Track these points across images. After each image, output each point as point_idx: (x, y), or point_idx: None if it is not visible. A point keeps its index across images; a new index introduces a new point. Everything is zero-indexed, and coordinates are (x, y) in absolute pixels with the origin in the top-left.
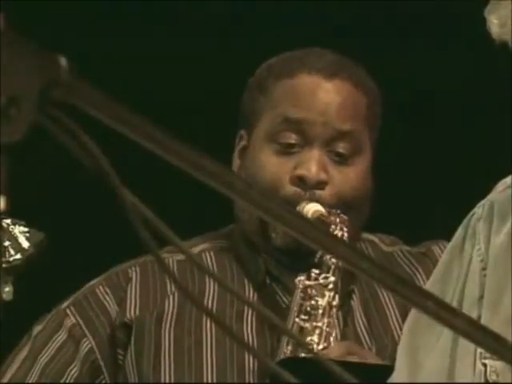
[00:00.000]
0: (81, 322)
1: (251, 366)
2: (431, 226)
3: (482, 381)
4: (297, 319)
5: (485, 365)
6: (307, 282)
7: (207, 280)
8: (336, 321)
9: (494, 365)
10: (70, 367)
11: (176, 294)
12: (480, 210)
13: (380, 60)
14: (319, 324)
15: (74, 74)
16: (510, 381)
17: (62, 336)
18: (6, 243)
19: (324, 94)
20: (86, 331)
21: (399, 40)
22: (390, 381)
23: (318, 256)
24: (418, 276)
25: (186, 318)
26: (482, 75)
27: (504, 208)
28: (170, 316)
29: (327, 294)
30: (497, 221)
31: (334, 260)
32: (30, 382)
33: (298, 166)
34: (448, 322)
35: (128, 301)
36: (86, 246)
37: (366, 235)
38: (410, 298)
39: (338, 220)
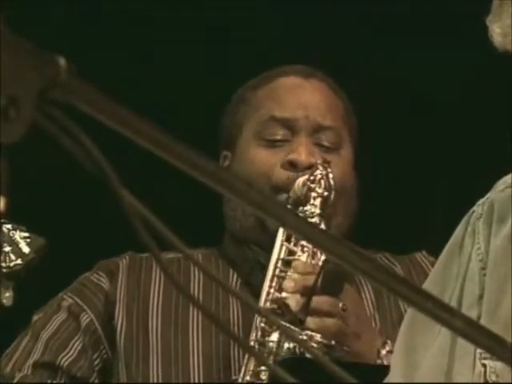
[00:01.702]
0: (78, 300)
1: (235, 326)
2: (431, 226)
3: (481, 381)
4: (285, 243)
5: (484, 365)
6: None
7: (192, 281)
8: None
9: (494, 365)
10: (74, 340)
11: (162, 279)
12: (480, 208)
13: (380, 60)
14: (306, 245)
15: (73, 73)
16: (509, 382)
17: (61, 316)
18: (7, 248)
19: (303, 91)
20: (84, 306)
21: (400, 40)
22: (387, 378)
23: (304, 191)
24: (396, 270)
25: (173, 296)
26: (481, 74)
27: (504, 207)
28: (156, 295)
29: (314, 219)
30: (497, 220)
31: (317, 194)
32: (34, 357)
33: (289, 153)
34: (447, 323)
35: (118, 278)
36: (85, 247)
37: None
38: (409, 299)
39: (320, 161)
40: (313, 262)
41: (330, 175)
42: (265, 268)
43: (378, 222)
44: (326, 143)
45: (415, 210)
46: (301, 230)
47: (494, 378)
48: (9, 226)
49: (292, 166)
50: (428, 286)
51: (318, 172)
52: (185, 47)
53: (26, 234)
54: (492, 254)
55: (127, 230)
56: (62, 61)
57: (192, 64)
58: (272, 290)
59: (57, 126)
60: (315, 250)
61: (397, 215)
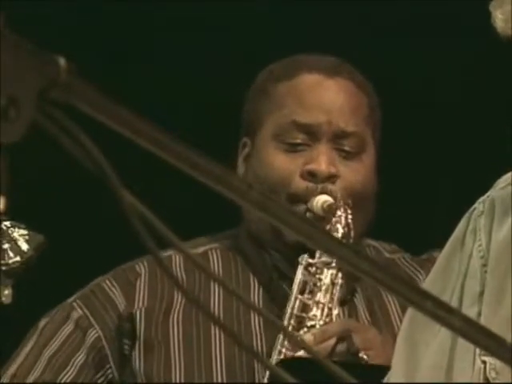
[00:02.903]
0: (88, 313)
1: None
2: (431, 225)
3: (481, 378)
4: (299, 296)
5: (484, 362)
6: (310, 260)
7: (212, 292)
8: (338, 298)
9: (494, 362)
10: (76, 355)
11: (184, 287)
12: (481, 206)
13: (379, 59)
14: (322, 300)
15: (73, 73)
16: (509, 378)
17: (68, 327)
18: (6, 246)
19: (326, 91)
20: (93, 321)
21: (400, 40)
22: (388, 376)
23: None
24: (420, 277)
25: (193, 310)
26: (482, 74)
27: (505, 205)
28: (178, 308)
29: (330, 271)
30: (498, 217)
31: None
32: (35, 374)
33: (308, 162)
34: (446, 322)
35: (137, 294)
36: (86, 248)
37: (368, 241)
38: (409, 298)
39: (341, 203)
40: (327, 319)
41: (349, 217)
42: (284, 275)
43: (381, 222)
44: (347, 148)
45: (419, 210)
46: (302, 230)
47: (493, 375)
48: (7, 224)
49: (311, 175)
50: (429, 283)
51: (338, 214)
52: (185, 47)
53: (25, 232)
54: (493, 251)
55: (127, 230)
56: (61, 61)
57: (192, 64)
58: (284, 350)
59: (57, 126)
60: (330, 305)
61: (401, 215)
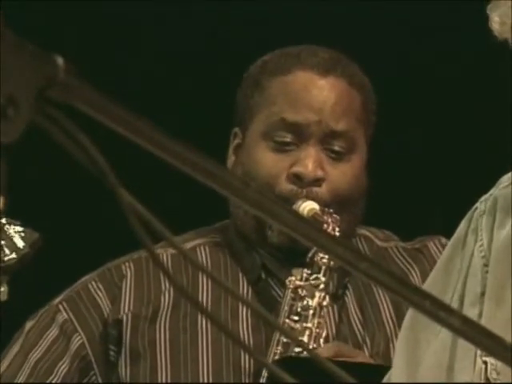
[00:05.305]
0: (72, 317)
1: (247, 363)
2: (431, 225)
3: (482, 378)
4: (287, 320)
5: (485, 362)
6: (298, 283)
7: (201, 274)
8: (328, 320)
9: (495, 363)
10: (60, 363)
11: (171, 291)
12: (482, 205)
13: (376, 58)
14: (309, 325)
15: (71, 73)
16: (510, 379)
17: (53, 332)
18: (1, 243)
19: (318, 91)
20: (78, 327)
21: (399, 40)
22: (388, 375)
23: (309, 256)
24: (413, 273)
25: (180, 315)
26: (483, 73)
27: (507, 204)
28: (164, 313)
29: (317, 294)
30: (500, 216)
31: (324, 260)
32: (21, 379)
33: (295, 164)
34: (445, 322)
35: (122, 298)
36: (81, 244)
37: (360, 230)
38: (407, 298)
39: (330, 220)
40: (315, 345)
41: (337, 234)
42: (272, 273)
43: (377, 222)
44: (337, 148)
45: (415, 210)
46: (298, 228)
47: (494, 376)
48: (3, 221)
49: (297, 178)
50: (430, 282)
51: (325, 227)
52: (185, 46)
53: (21, 229)
54: (494, 251)
55: (127, 229)
56: (60, 60)
57: (192, 63)
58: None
59: (55, 126)
60: (318, 330)
61: (396, 215)
